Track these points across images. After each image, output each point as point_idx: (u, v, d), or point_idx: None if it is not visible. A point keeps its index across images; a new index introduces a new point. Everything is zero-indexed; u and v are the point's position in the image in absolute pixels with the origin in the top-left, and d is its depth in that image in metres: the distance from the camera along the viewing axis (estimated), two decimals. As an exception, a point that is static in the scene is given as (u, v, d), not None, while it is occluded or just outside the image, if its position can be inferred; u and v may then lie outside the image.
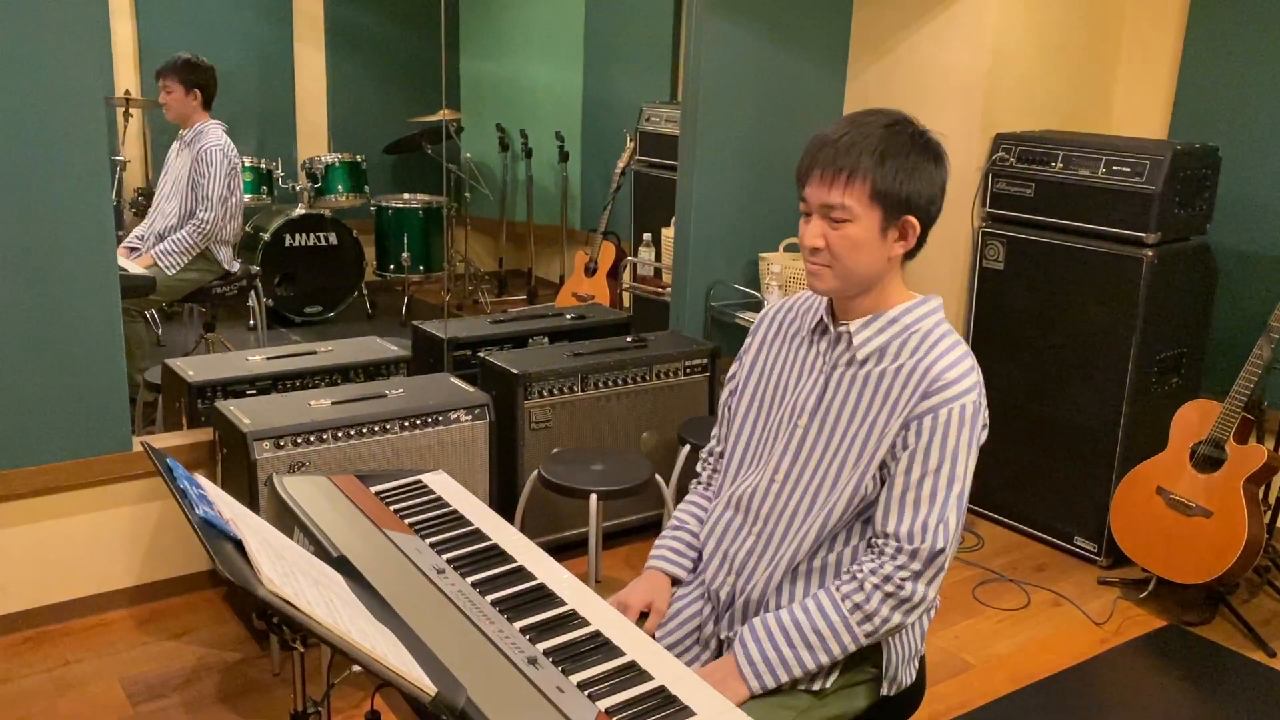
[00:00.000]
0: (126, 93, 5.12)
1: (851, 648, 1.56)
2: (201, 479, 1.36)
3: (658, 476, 2.79)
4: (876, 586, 1.52)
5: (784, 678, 1.56)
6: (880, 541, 1.55)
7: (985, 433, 1.60)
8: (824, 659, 1.56)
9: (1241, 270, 3.36)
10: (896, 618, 1.54)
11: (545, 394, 3.02)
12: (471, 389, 2.91)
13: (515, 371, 2.98)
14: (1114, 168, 3.07)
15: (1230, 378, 2.89)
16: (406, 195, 5.74)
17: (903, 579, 1.52)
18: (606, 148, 5.60)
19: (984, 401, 1.56)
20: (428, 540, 1.73)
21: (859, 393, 1.60)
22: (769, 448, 1.71)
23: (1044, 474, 3.36)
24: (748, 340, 1.83)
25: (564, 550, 3.10)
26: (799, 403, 1.67)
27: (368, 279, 5.53)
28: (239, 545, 1.22)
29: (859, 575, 1.55)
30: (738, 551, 1.70)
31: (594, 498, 2.60)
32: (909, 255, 1.61)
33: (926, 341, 1.57)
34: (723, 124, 3.52)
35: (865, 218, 1.52)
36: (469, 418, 2.81)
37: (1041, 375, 3.31)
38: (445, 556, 1.67)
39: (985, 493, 3.53)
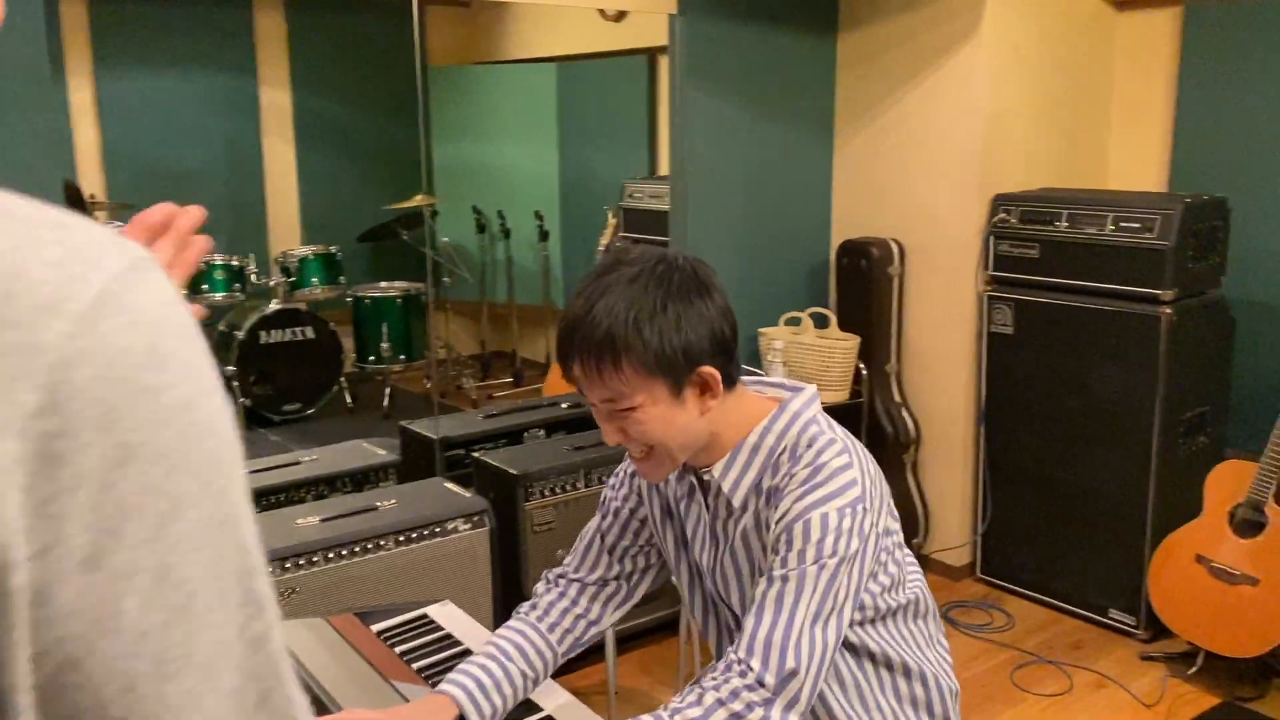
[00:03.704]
0: (92, 196, 4.97)
1: None
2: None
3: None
4: (720, 702, 1.25)
5: None
6: (731, 656, 1.29)
7: (878, 539, 1.34)
8: None
9: (1254, 322, 3.25)
10: None
11: (547, 494, 2.85)
12: (468, 494, 2.74)
13: (514, 472, 2.81)
14: (1122, 224, 2.97)
15: (1254, 433, 2.76)
16: (384, 283, 5.60)
17: (751, 701, 1.25)
18: (587, 225, 5.50)
19: (863, 505, 1.30)
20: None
21: (745, 542, 1.40)
22: (703, 606, 1.55)
23: (1071, 545, 3.20)
24: (630, 469, 1.56)
25: (577, 660, 2.90)
26: (701, 558, 1.49)
27: (347, 371, 5.36)
28: None
29: (700, 686, 1.28)
30: None
31: (608, 608, 2.42)
32: (730, 385, 1.37)
33: (792, 458, 1.34)
34: (713, 198, 3.42)
35: (650, 394, 1.29)
36: (467, 526, 2.63)
37: (1061, 441, 3.17)
38: (462, 709, 1.49)
39: (1011, 568, 3.37)
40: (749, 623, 1.29)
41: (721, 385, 1.33)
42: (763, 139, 3.51)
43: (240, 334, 4.94)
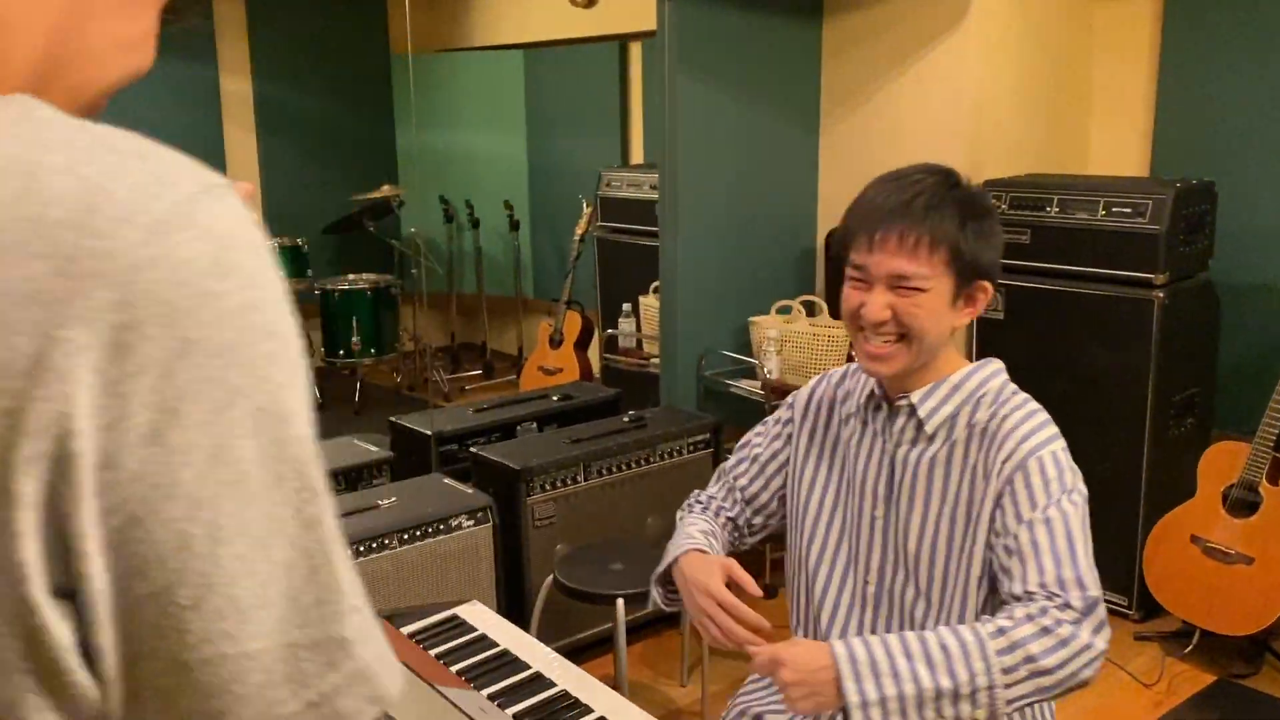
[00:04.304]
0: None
1: (981, 680, 1.25)
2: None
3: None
4: (1030, 617, 1.28)
5: (889, 690, 1.25)
6: (1026, 590, 1.32)
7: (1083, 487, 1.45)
8: (944, 681, 1.25)
9: (1238, 304, 3.31)
10: (1048, 660, 1.26)
11: (548, 487, 2.80)
12: (470, 490, 2.69)
13: (516, 466, 2.76)
14: (1114, 209, 3.00)
15: (1240, 413, 2.81)
16: (351, 276, 5.49)
17: (1060, 619, 1.28)
18: (559, 214, 5.44)
19: (1068, 454, 1.43)
20: (485, 692, 1.50)
21: (929, 473, 1.46)
22: (854, 547, 1.55)
23: (1063, 527, 3.23)
24: (781, 417, 1.67)
25: (584, 651, 2.87)
26: (867, 490, 1.52)
27: (315, 366, 5.24)
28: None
29: (1005, 608, 1.33)
30: None
31: (620, 602, 2.39)
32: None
33: (999, 400, 1.45)
34: (703, 186, 3.39)
35: (940, 285, 1.40)
36: (471, 522, 2.58)
37: (1053, 425, 3.19)
38: (512, 711, 1.45)
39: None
40: (1029, 571, 1.33)
41: (984, 305, 1.46)
42: (749, 125, 3.48)
43: (206, 329, 4.81)
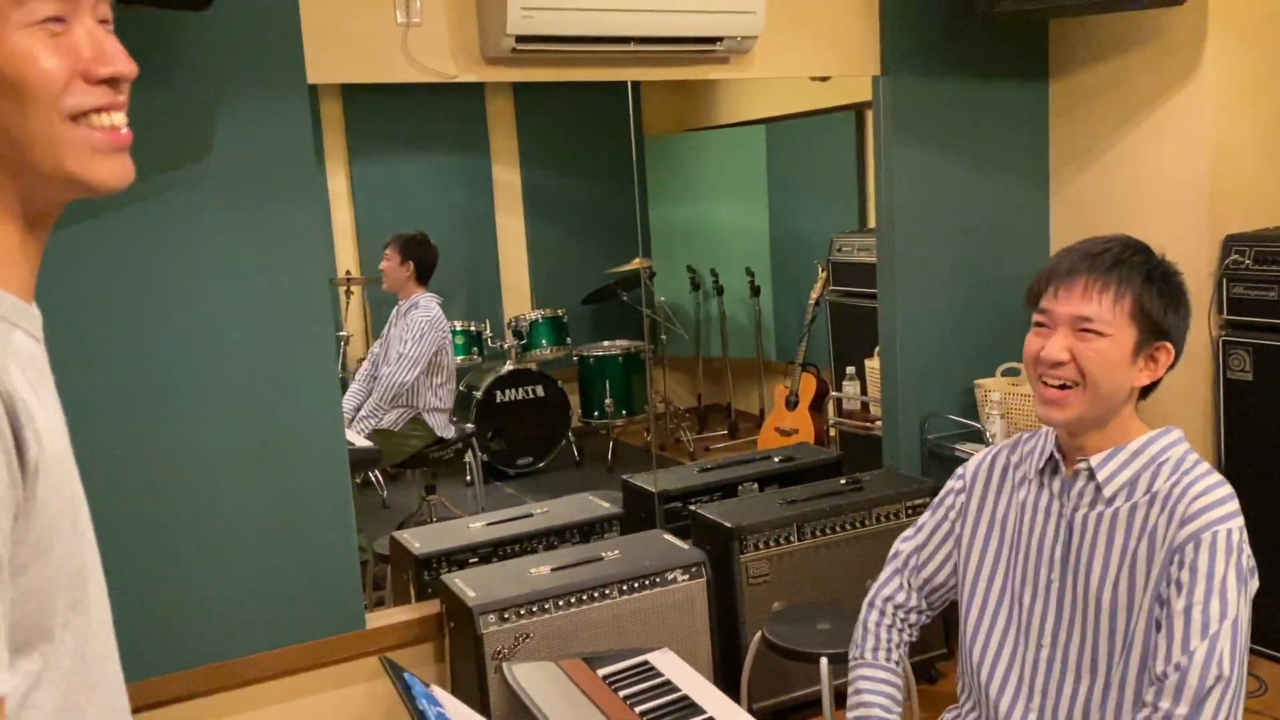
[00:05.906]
0: (348, 272, 5.53)
1: None
2: (439, 693, 1.36)
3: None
4: None
5: None
6: (1154, 687, 1.38)
7: (1255, 582, 1.43)
8: None
9: None
10: None
11: (761, 546, 2.94)
12: (685, 546, 2.87)
13: (729, 525, 2.91)
14: (1373, 261, 2.77)
15: None
16: (606, 343, 5.89)
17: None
18: (797, 279, 5.59)
19: (1246, 538, 1.41)
20: (660, 731, 1.67)
21: (1110, 533, 1.47)
22: (1024, 612, 1.57)
23: (1333, 607, 2.96)
24: (952, 488, 1.70)
25: (794, 712, 2.95)
26: (1043, 555, 1.54)
27: (574, 426, 5.65)
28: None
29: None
30: None
31: (824, 661, 2.47)
32: (1146, 391, 1.51)
33: (1180, 468, 1.45)
34: (922, 249, 3.43)
35: (1121, 335, 1.45)
36: (686, 577, 2.76)
37: (1315, 494, 2.95)
38: (680, 750, 1.61)
39: (1265, 628, 3.14)
40: (1166, 646, 1.38)
41: (1165, 368, 1.49)
42: (974, 189, 3.49)
43: (478, 394, 5.33)
